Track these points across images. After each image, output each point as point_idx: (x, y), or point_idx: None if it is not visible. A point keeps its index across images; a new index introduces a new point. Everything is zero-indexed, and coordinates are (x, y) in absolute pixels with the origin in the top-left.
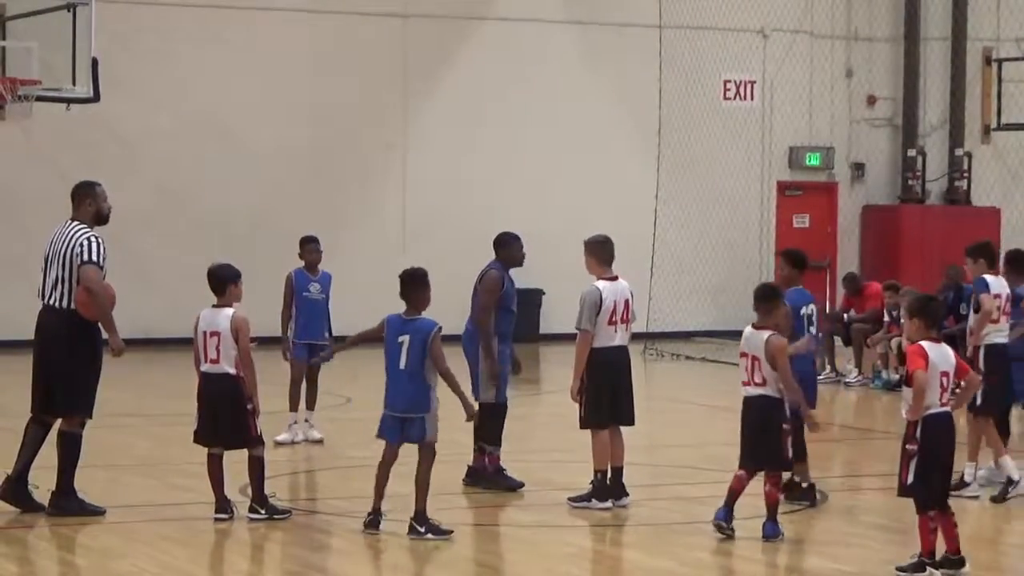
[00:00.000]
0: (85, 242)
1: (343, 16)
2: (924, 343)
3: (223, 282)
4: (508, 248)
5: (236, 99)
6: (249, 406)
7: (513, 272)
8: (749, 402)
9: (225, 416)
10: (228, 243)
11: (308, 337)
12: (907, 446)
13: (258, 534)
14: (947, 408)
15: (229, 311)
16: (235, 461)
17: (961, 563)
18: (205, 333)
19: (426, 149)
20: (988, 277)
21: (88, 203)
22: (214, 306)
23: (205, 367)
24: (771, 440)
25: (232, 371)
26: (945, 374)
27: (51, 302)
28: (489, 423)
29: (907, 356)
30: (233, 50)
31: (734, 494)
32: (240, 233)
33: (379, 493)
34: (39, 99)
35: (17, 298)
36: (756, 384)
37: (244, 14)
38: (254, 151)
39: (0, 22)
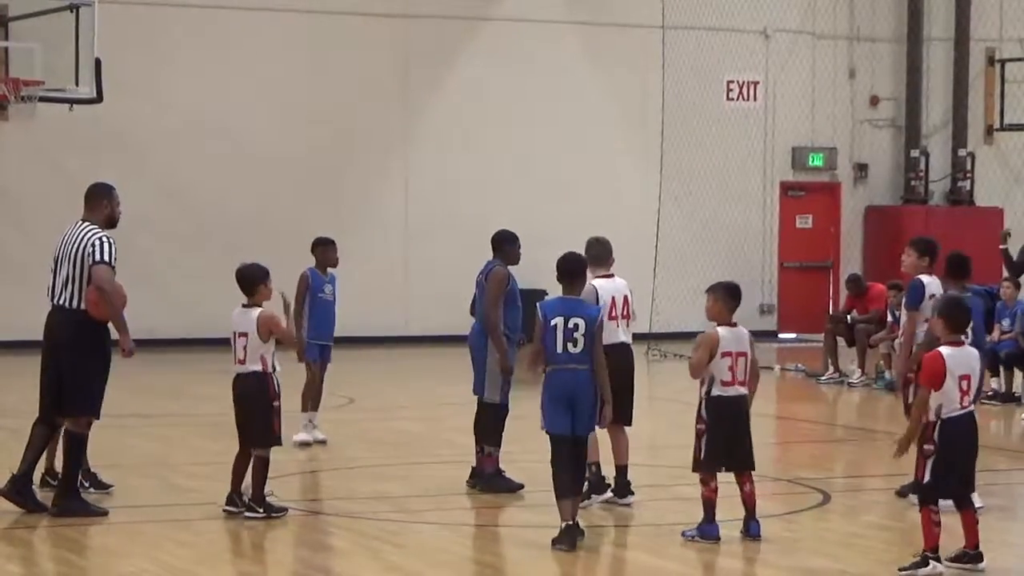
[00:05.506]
0: (97, 242)
1: (343, 16)
2: (943, 348)
3: (252, 282)
4: (508, 247)
5: (238, 100)
6: (276, 403)
7: (515, 273)
8: (735, 402)
9: (252, 414)
10: (229, 244)
11: (321, 338)
12: (924, 446)
13: (260, 535)
14: (968, 409)
15: (256, 311)
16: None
17: (979, 558)
18: (235, 334)
19: (427, 150)
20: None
21: (104, 205)
22: (244, 306)
23: (235, 367)
24: (748, 439)
25: (259, 369)
26: (966, 377)
27: (61, 302)
28: (492, 424)
29: (922, 363)
30: (234, 51)
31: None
32: (241, 233)
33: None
34: (42, 100)
35: (18, 299)
36: (740, 384)
37: (245, 15)
38: (255, 152)
39: (3, 23)
